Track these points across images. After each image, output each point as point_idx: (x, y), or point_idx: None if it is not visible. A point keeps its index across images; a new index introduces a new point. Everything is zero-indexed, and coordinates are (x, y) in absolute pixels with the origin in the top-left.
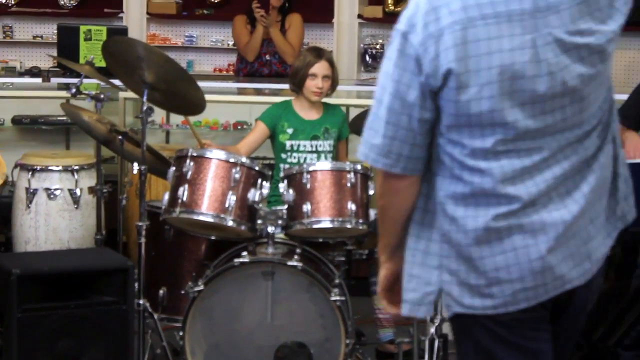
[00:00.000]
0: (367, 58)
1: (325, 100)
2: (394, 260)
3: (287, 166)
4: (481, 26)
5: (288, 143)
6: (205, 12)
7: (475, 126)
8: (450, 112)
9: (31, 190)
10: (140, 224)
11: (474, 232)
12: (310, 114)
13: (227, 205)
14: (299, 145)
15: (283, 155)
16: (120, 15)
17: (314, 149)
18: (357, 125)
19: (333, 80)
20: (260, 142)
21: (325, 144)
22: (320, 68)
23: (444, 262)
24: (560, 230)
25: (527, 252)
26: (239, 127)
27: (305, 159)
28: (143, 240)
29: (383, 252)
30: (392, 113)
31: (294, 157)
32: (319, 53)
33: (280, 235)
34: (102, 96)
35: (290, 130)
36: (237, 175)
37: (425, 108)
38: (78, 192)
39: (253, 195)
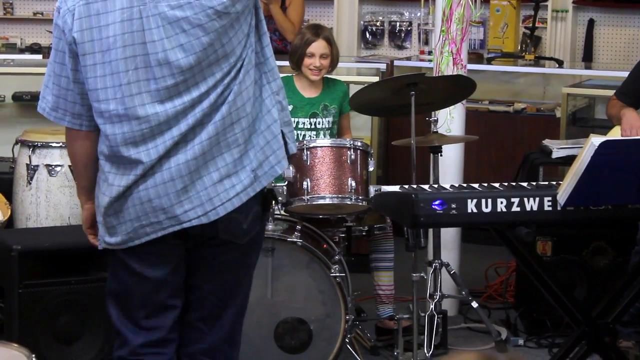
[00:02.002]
0: (367, 35)
1: (326, 75)
2: (91, 201)
3: None
4: (100, 2)
5: None
6: None
7: (100, 89)
8: (85, 76)
9: (32, 167)
10: None
11: (112, 185)
12: (310, 92)
13: None
14: (297, 123)
15: None
16: None
17: (312, 126)
18: (357, 102)
19: (332, 58)
20: None
21: (324, 121)
22: (317, 47)
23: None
24: (165, 178)
25: (140, 196)
26: None
27: (304, 136)
28: None
29: (81, 195)
30: (55, 75)
31: None
32: (316, 31)
33: (280, 212)
34: None
35: (289, 107)
36: None
37: (76, 71)
38: None
39: None
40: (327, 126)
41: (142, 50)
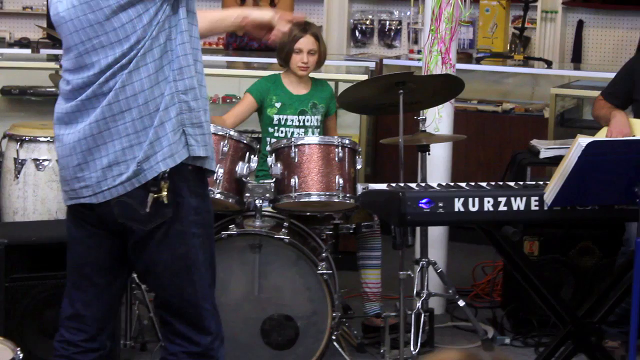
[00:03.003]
0: (357, 33)
1: (314, 75)
2: None
3: (274, 140)
4: None
5: (275, 117)
6: None
7: None
8: None
9: (19, 161)
10: None
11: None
12: (298, 89)
13: (215, 177)
14: (286, 120)
15: (270, 129)
16: None
17: (301, 123)
18: (345, 100)
19: (320, 55)
20: (247, 115)
21: (313, 119)
22: (305, 43)
23: None
24: (66, 153)
25: (59, 164)
26: (228, 101)
27: (292, 133)
28: None
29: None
30: None
31: (281, 132)
32: (304, 28)
33: (267, 209)
34: None
35: (278, 104)
36: (225, 149)
37: None
38: None
39: (241, 168)
40: (315, 124)
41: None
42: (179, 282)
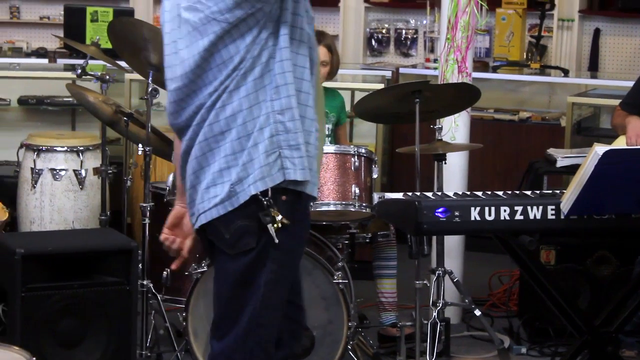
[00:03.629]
0: (373, 42)
1: (326, 84)
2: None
3: None
4: None
5: None
6: None
7: None
8: None
9: (36, 171)
10: (144, 205)
11: None
12: None
13: None
14: None
15: None
16: None
17: None
18: (361, 109)
19: (332, 66)
20: None
21: (325, 128)
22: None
23: None
24: (189, 171)
25: None
26: None
27: None
28: (147, 221)
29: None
30: None
31: None
32: (318, 38)
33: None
34: (107, 77)
35: None
36: None
37: None
38: (83, 172)
39: None
40: (327, 133)
41: None
42: (227, 312)
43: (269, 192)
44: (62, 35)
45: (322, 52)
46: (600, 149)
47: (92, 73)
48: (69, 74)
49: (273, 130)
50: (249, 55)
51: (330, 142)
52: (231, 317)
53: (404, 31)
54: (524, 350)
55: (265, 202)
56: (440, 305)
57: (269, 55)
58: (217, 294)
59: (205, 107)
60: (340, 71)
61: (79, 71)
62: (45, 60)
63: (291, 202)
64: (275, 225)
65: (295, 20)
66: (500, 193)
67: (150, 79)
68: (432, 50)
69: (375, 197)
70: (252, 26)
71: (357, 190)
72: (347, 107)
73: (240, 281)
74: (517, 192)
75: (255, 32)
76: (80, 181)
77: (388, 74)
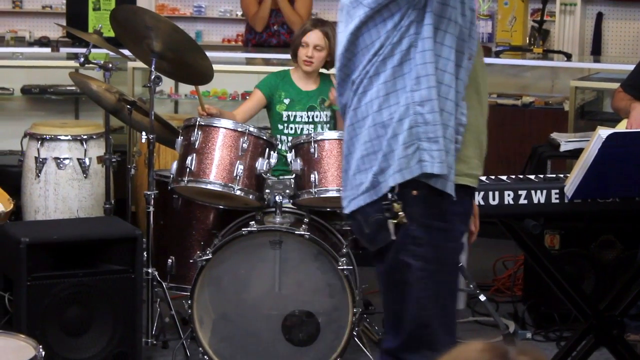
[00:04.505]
0: None
1: (323, 71)
2: None
3: (283, 137)
4: None
5: (285, 114)
6: None
7: None
8: None
9: (40, 160)
10: (148, 193)
11: None
12: (307, 85)
13: (235, 174)
14: (295, 116)
15: (280, 126)
16: None
17: (310, 119)
18: None
19: (329, 53)
20: (257, 110)
21: (322, 115)
22: (312, 37)
23: None
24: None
25: None
26: (247, 97)
27: (302, 129)
28: (152, 209)
29: None
30: None
31: (291, 128)
32: (315, 23)
33: (287, 205)
34: (110, 65)
35: (286, 101)
36: (245, 145)
37: None
38: (87, 161)
39: (261, 164)
40: (325, 120)
41: None
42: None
43: (397, 187)
44: (64, 24)
45: (318, 37)
46: (603, 132)
47: (95, 61)
48: (72, 63)
49: (412, 121)
50: (388, 41)
51: (329, 129)
52: (396, 317)
53: None
54: (529, 335)
55: (390, 196)
56: None
57: (409, 44)
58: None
59: (352, 92)
60: None
61: (82, 60)
62: (48, 50)
63: (424, 196)
64: (397, 221)
65: (444, 11)
66: (504, 178)
67: (153, 66)
68: None
69: None
70: (394, 12)
71: None
72: None
73: (391, 281)
74: (521, 176)
75: (396, 18)
76: (84, 170)
77: None
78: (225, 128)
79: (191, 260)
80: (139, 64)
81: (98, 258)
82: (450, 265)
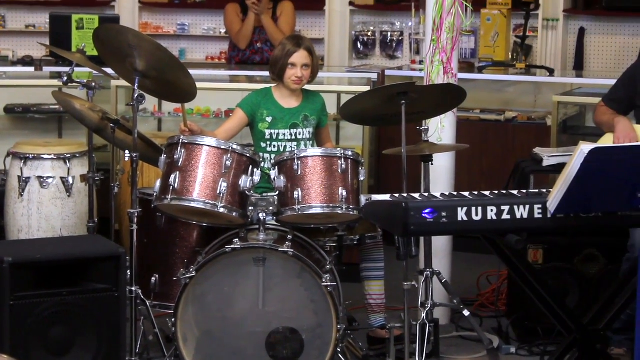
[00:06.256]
0: (359, 45)
1: (307, 87)
2: None
3: (266, 155)
4: None
5: (267, 132)
6: (197, 0)
7: None
8: None
9: (24, 179)
10: (132, 211)
11: None
12: (289, 102)
13: (218, 192)
14: (278, 134)
15: (262, 144)
16: (113, 4)
17: (293, 137)
18: (348, 111)
19: (313, 68)
20: (239, 129)
21: (305, 132)
22: (299, 57)
23: None
24: None
25: None
26: (231, 115)
27: (285, 147)
28: (135, 227)
29: None
30: None
31: (274, 146)
32: (297, 42)
33: (271, 222)
34: (93, 84)
35: (269, 119)
36: (228, 162)
37: None
38: (70, 180)
39: (244, 182)
40: (307, 137)
41: None
42: None
43: None
44: (48, 43)
45: (304, 56)
46: (586, 147)
47: (78, 80)
48: (55, 82)
49: None
50: None
51: (312, 146)
52: None
53: (389, 33)
54: (513, 349)
55: None
56: (429, 306)
57: None
58: None
59: None
60: (326, 74)
61: (65, 79)
62: (31, 69)
63: None
64: None
65: None
66: (487, 193)
67: (136, 85)
68: (417, 52)
69: (363, 199)
70: None
71: (344, 193)
72: (333, 110)
73: None
74: (504, 191)
75: None
76: (68, 188)
77: (374, 76)
78: (208, 146)
79: (175, 278)
80: (123, 82)
81: (81, 277)
82: None
